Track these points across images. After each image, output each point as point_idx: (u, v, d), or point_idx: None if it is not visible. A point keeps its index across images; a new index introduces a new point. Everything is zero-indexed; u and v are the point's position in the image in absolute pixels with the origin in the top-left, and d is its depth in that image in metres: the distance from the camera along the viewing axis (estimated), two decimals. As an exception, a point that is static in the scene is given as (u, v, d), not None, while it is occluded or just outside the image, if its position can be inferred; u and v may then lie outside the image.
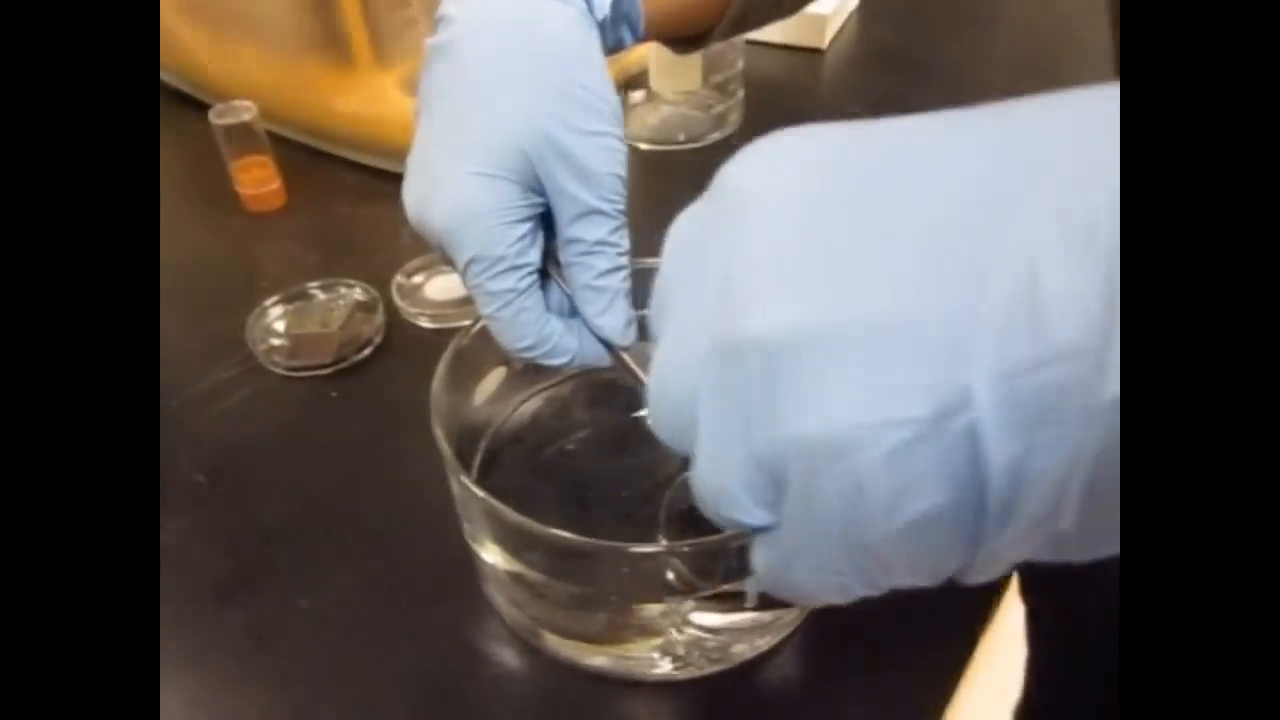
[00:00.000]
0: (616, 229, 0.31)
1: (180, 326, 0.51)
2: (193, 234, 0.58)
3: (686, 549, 0.32)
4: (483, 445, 0.40)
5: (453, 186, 0.30)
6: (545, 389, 0.43)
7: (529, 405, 0.42)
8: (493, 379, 0.41)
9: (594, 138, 0.30)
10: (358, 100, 0.59)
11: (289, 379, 0.47)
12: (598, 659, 0.35)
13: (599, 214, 0.30)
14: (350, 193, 0.60)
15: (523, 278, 0.31)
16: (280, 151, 0.60)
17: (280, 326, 0.49)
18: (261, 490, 0.42)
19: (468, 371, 0.39)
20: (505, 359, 0.40)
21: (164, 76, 0.69)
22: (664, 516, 0.36)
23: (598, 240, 0.31)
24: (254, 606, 0.37)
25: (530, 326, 0.31)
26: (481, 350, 0.38)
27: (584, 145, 0.30)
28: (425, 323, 0.50)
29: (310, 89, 0.60)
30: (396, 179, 0.60)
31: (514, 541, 0.33)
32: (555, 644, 0.36)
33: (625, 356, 0.33)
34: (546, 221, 0.31)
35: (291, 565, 0.39)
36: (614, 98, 0.31)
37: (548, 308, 0.32)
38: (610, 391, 0.43)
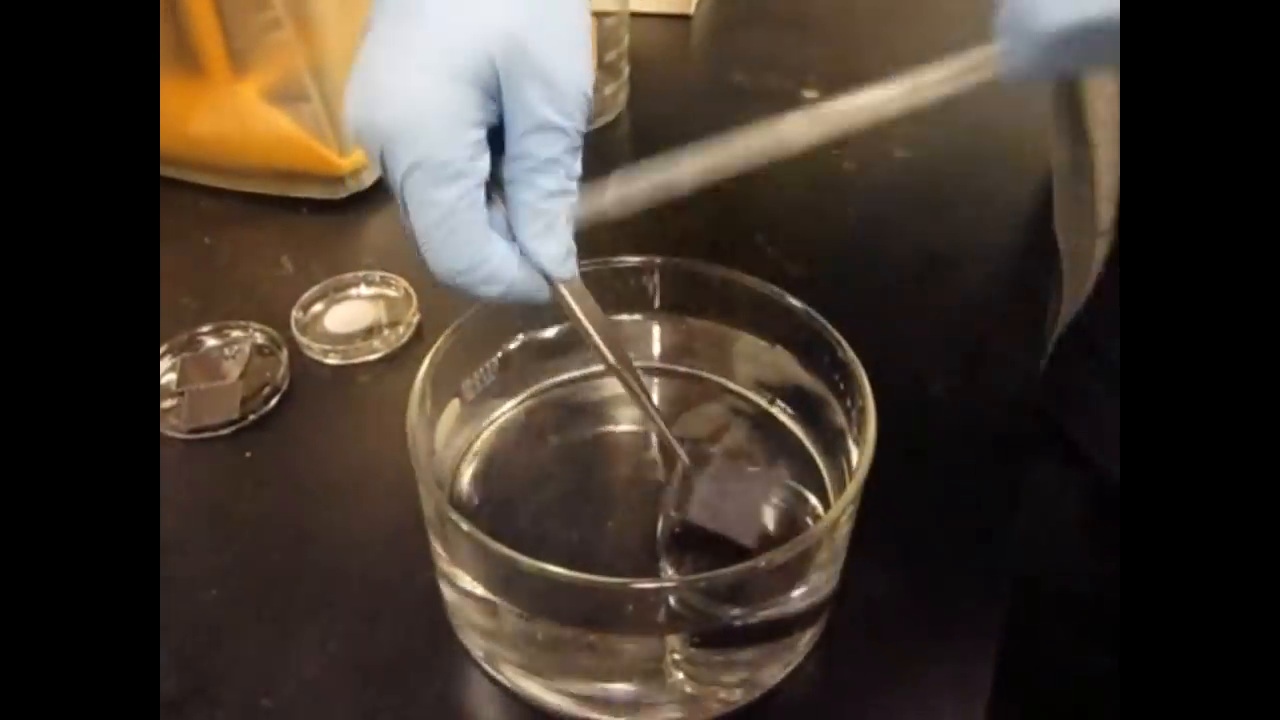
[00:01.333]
0: (572, 149, 0.29)
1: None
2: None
3: (702, 583, 0.30)
4: (450, 484, 0.37)
5: (406, 84, 0.27)
6: (500, 417, 0.40)
7: (486, 436, 0.39)
8: (449, 413, 0.37)
9: (569, 51, 0.28)
10: (215, 117, 0.52)
11: (192, 443, 0.42)
12: (595, 709, 0.33)
13: (557, 130, 0.28)
14: (215, 222, 0.54)
15: (469, 189, 0.28)
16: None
17: (171, 382, 0.44)
18: (194, 582, 0.37)
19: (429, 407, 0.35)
20: (457, 390, 0.37)
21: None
22: (662, 541, 0.34)
23: (549, 158, 0.29)
24: (214, 717, 0.33)
25: (468, 246, 0.28)
26: (437, 384, 0.35)
27: (557, 58, 0.28)
28: (333, 359, 0.45)
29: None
30: (266, 202, 0.56)
31: (511, 586, 0.30)
32: (544, 692, 0.33)
33: (564, 290, 0.31)
34: (493, 137, 0.29)
35: (246, 662, 0.35)
36: (588, 11, 0.30)
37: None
38: (572, 412, 0.40)
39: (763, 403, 0.39)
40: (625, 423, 0.40)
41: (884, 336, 0.37)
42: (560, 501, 0.37)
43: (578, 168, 0.30)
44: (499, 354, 0.39)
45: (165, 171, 0.55)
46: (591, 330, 0.32)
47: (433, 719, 0.33)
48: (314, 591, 0.37)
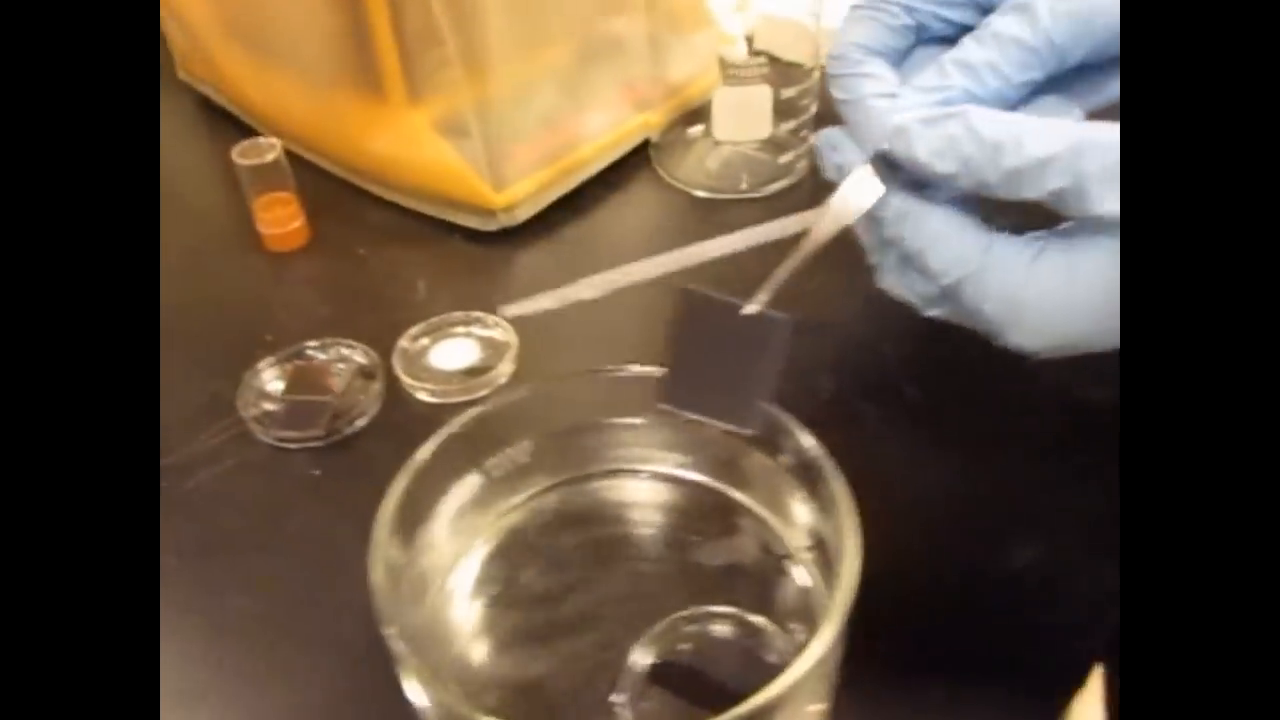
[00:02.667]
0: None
1: (171, 381, 0.49)
2: (205, 272, 0.56)
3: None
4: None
5: None
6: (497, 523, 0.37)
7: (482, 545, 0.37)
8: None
9: None
10: (389, 138, 0.55)
11: (277, 450, 0.45)
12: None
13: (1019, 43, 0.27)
14: (374, 233, 0.57)
15: None
16: (308, 179, 0.57)
17: (275, 389, 0.47)
18: (226, 583, 0.39)
19: (415, 512, 0.34)
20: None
21: (203, 90, 0.68)
22: (628, 677, 0.32)
23: (1012, 37, 0.27)
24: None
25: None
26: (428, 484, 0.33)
27: None
28: (424, 396, 0.46)
29: (342, 122, 0.57)
30: (422, 220, 0.58)
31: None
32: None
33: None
34: None
35: (254, 669, 0.36)
36: None
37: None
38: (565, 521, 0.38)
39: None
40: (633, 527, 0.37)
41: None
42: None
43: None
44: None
45: (346, 177, 0.59)
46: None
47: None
48: (328, 617, 0.38)
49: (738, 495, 0.37)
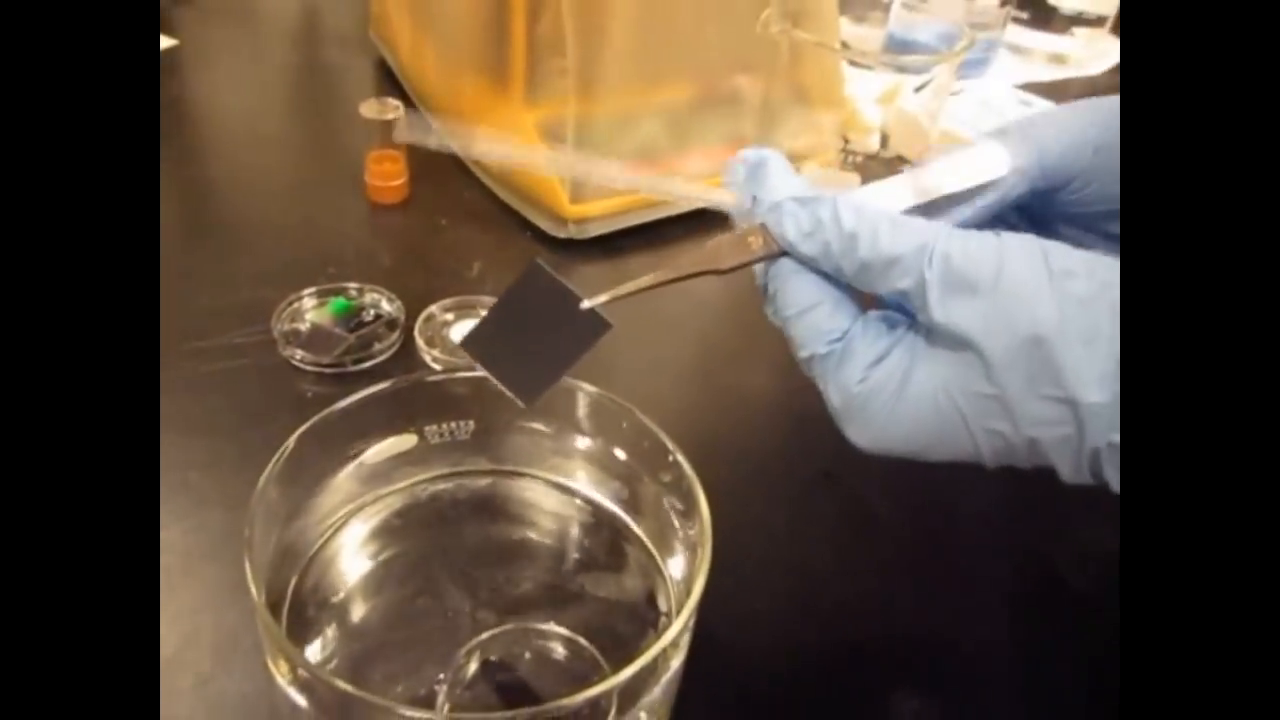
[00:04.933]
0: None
1: (231, 278, 0.54)
2: (309, 199, 0.62)
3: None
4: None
5: None
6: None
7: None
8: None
9: None
10: (499, 127, 0.59)
11: (288, 365, 0.49)
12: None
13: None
14: (460, 208, 0.61)
15: None
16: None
17: (310, 316, 0.51)
18: (206, 460, 0.43)
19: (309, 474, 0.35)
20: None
21: (381, 51, 0.74)
22: (449, 679, 0.33)
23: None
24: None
25: None
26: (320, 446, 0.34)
27: None
28: (430, 360, 0.49)
29: (467, 103, 0.61)
30: (505, 211, 0.62)
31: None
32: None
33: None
34: None
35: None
36: None
37: None
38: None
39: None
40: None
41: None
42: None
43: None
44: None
45: (462, 153, 0.64)
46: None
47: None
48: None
49: (636, 529, 0.37)
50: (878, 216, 0.25)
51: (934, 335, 0.25)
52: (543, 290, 0.29)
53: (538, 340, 0.30)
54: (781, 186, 0.27)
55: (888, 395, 0.25)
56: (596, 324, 0.29)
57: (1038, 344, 0.23)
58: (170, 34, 0.81)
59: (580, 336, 0.29)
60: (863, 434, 0.26)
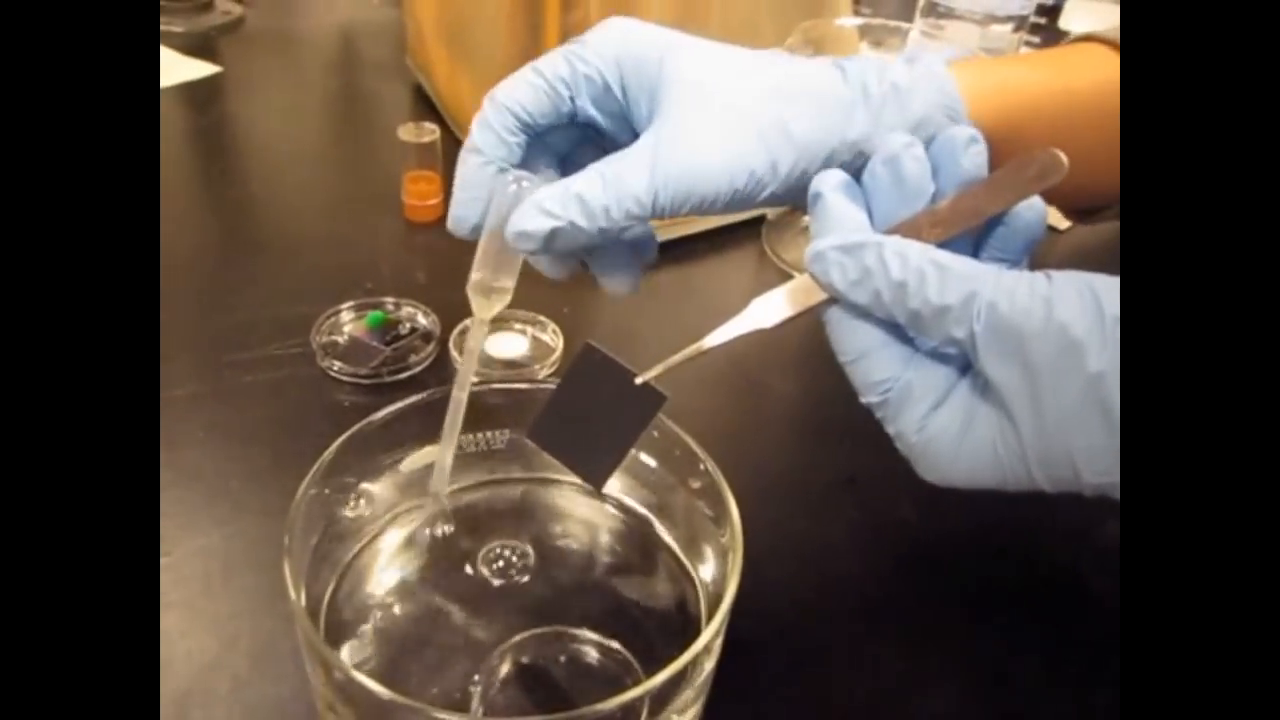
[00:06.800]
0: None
1: (273, 294, 0.55)
2: (348, 217, 0.63)
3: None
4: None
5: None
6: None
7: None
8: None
9: None
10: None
11: (326, 377, 0.50)
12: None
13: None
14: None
15: None
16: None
17: (348, 329, 0.52)
18: (230, 470, 0.44)
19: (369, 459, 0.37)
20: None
21: (418, 78, 0.76)
22: (483, 682, 0.33)
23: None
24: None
25: None
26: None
27: None
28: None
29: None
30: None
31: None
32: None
33: None
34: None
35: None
36: None
37: None
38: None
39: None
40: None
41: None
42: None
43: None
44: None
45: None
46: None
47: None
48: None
49: (666, 535, 0.37)
50: (923, 261, 0.24)
51: (989, 384, 0.25)
52: (598, 370, 0.30)
53: (599, 420, 0.30)
54: (831, 224, 0.27)
55: (948, 441, 0.25)
56: (654, 398, 0.30)
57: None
58: (215, 61, 0.83)
59: (639, 412, 0.30)
60: (929, 474, 0.26)
